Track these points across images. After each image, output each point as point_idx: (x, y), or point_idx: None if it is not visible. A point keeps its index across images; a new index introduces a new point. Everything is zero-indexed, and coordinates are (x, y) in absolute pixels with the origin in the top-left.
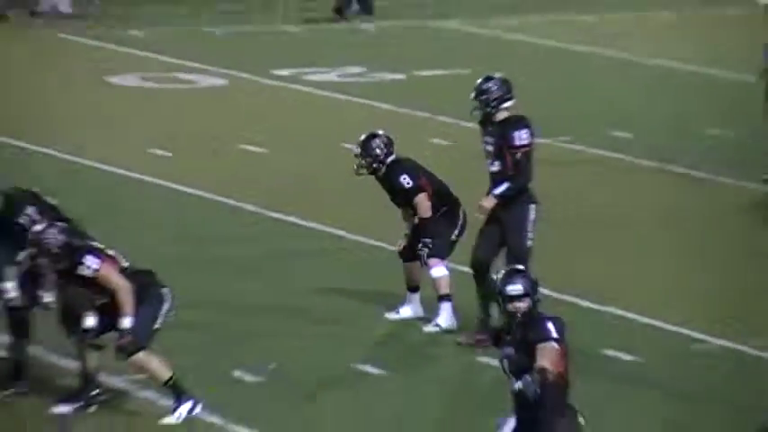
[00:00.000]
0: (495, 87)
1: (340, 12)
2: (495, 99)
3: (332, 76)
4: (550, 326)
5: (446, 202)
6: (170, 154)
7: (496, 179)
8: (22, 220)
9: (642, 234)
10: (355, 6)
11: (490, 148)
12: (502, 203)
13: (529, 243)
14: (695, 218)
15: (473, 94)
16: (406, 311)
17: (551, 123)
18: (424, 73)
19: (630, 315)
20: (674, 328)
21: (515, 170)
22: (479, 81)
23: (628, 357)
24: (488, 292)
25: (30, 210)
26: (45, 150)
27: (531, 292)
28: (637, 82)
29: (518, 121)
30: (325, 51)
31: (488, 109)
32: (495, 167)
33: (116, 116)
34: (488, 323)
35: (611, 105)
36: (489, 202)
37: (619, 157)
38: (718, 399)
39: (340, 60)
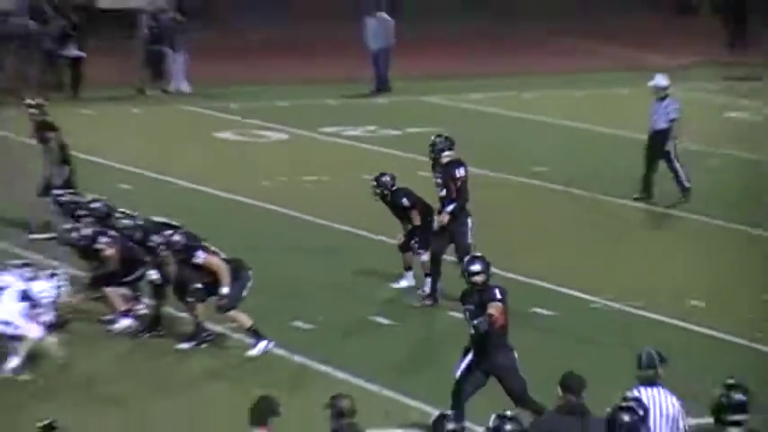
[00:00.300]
0: (441, 141)
1: (380, 89)
2: (439, 149)
3: (357, 132)
4: (497, 292)
5: (429, 215)
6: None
7: (444, 201)
8: (150, 243)
9: (553, 232)
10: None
11: (439, 180)
12: (450, 217)
13: (469, 241)
14: (585, 221)
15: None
16: (404, 283)
17: (494, 161)
18: (414, 130)
19: (550, 285)
20: (580, 294)
21: (457, 194)
22: (432, 137)
23: (547, 313)
24: (438, 272)
25: (154, 237)
26: (176, 181)
27: (485, 270)
28: (552, 137)
29: (457, 162)
30: (353, 116)
31: (434, 155)
32: (443, 193)
33: (219, 158)
34: (435, 291)
35: (533, 149)
36: (445, 217)
37: (538, 183)
38: (604, 341)
39: (362, 122)
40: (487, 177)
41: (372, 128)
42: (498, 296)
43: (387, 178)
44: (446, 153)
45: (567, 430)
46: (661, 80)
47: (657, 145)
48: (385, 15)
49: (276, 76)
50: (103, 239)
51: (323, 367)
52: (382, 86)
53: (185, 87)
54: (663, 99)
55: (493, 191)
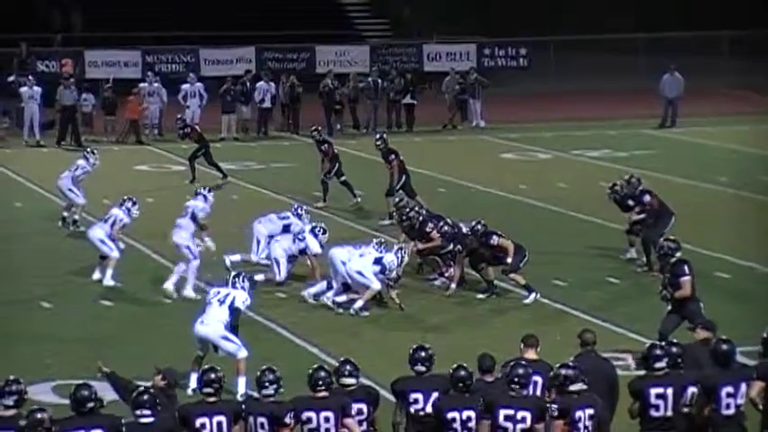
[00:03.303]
0: (635, 182)
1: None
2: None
3: (596, 153)
4: (686, 267)
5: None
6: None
7: (640, 212)
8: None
9: (729, 220)
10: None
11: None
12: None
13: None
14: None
15: None
16: (628, 255)
17: (687, 172)
18: (638, 152)
19: (726, 256)
20: (744, 262)
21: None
22: (627, 177)
23: (723, 275)
24: (649, 251)
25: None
26: (473, 186)
27: (678, 249)
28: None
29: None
30: (594, 143)
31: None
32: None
33: (502, 170)
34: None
35: (715, 165)
36: (636, 217)
37: (719, 188)
38: (755, 293)
39: (600, 147)
40: (682, 183)
41: (607, 151)
42: (687, 271)
43: (617, 187)
44: (640, 188)
45: (703, 355)
46: None
47: None
48: (677, 74)
49: (548, 116)
50: (430, 224)
51: (574, 311)
52: (664, 123)
53: (482, 123)
54: None
55: (689, 192)
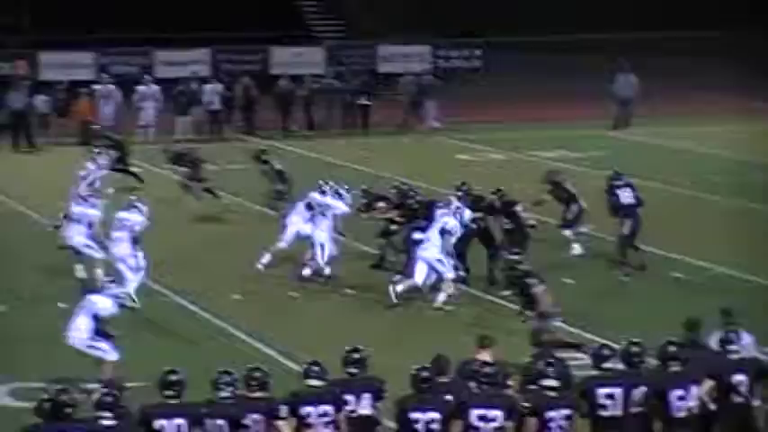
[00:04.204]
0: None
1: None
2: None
3: (551, 154)
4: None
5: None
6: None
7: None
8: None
9: (696, 224)
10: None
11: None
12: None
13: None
14: (713, 216)
15: None
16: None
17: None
18: (594, 154)
19: (686, 258)
20: (703, 263)
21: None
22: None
23: (683, 276)
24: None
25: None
26: (431, 187)
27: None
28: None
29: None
30: (550, 143)
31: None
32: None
33: (456, 171)
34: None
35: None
36: None
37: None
38: (717, 295)
39: (556, 148)
40: (637, 184)
41: (563, 152)
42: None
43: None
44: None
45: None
46: None
47: None
48: (631, 75)
49: (505, 117)
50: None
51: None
52: (619, 124)
53: (437, 125)
54: None
55: (645, 192)
